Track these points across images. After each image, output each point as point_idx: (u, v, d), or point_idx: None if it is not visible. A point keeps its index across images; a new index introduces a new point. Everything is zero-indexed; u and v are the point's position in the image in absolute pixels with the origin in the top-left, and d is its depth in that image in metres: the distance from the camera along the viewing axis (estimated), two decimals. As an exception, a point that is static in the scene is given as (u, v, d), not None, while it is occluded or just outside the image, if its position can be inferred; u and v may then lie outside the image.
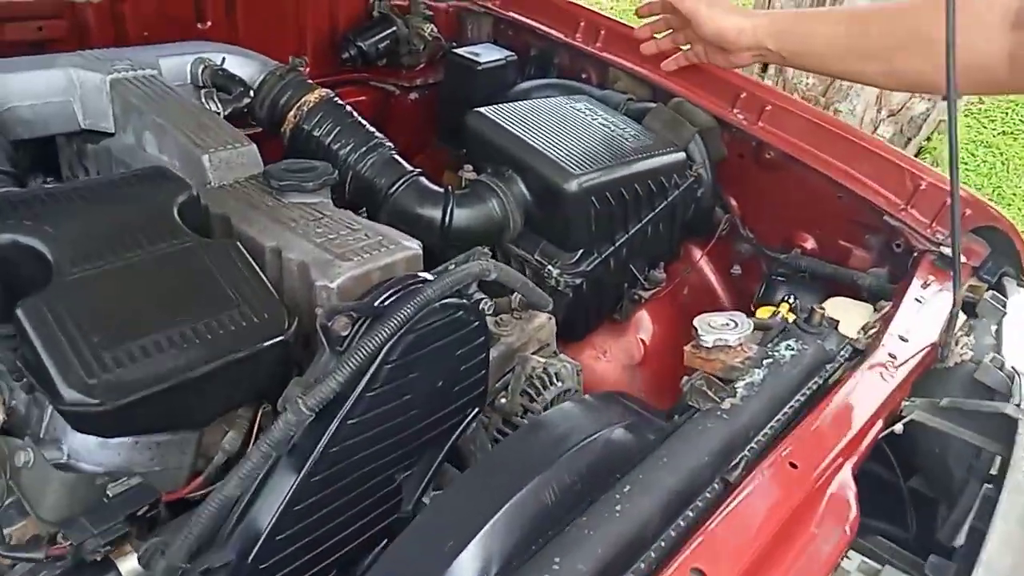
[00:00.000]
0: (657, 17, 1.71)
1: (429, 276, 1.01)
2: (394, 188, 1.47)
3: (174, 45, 1.51)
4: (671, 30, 1.72)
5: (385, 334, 0.88)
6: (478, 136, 1.59)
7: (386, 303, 0.94)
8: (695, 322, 1.09)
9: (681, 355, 2.00)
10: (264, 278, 0.94)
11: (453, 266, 1.04)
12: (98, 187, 0.98)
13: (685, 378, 1.09)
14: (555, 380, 1.33)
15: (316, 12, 1.93)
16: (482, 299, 1.06)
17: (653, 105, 1.85)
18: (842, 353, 1.18)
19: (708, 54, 1.63)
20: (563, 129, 1.62)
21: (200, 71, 1.45)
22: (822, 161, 1.73)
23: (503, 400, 1.29)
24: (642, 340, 1.91)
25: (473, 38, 2.29)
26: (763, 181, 1.86)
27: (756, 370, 1.05)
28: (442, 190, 1.50)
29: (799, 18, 1.49)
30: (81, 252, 0.89)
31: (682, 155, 1.70)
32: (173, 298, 0.89)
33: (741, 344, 1.07)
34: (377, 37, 1.99)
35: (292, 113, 1.50)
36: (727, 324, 1.08)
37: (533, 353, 1.35)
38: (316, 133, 1.50)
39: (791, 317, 1.32)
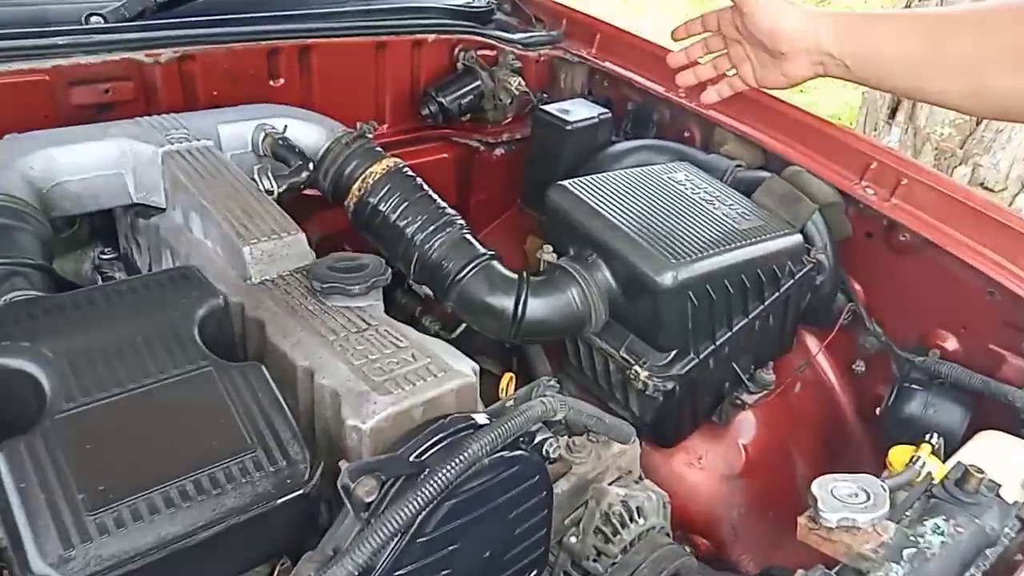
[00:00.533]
0: (694, 39, 1.33)
1: (481, 417, 0.82)
2: (463, 273, 1.31)
3: (237, 109, 1.40)
4: (711, 53, 1.33)
5: (420, 502, 0.70)
6: (560, 214, 1.41)
7: (425, 456, 0.76)
8: (813, 488, 0.86)
9: (790, 467, 1.76)
10: (287, 414, 0.79)
11: (512, 402, 0.86)
12: (112, 296, 0.85)
13: (801, 572, 0.85)
14: (636, 517, 1.12)
15: (396, 66, 1.81)
16: (546, 440, 0.87)
17: (765, 175, 1.62)
18: (1007, 530, 0.92)
19: (759, 71, 1.24)
20: (658, 206, 1.42)
21: (261, 139, 1.33)
22: (969, 249, 1.46)
23: (573, 539, 1.09)
24: (744, 446, 1.66)
25: (566, 89, 2.12)
26: (895, 267, 1.59)
27: (895, 566, 0.81)
28: (516, 276, 1.32)
29: (867, 20, 1.16)
30: (80, 380, 0.76)
31: (799, 238, 1.46)
32: (179, 440, 0.74)
33: (874, 527, 0.83)
34: (460, 92, 1.85)
35: (356, 185, 1.36)
36: (855, 496, 0.85)
37: (611, 483, 1.14)
38: (381, 208, 1.36)
39: (935, 465, 1.06)
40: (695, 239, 1.34)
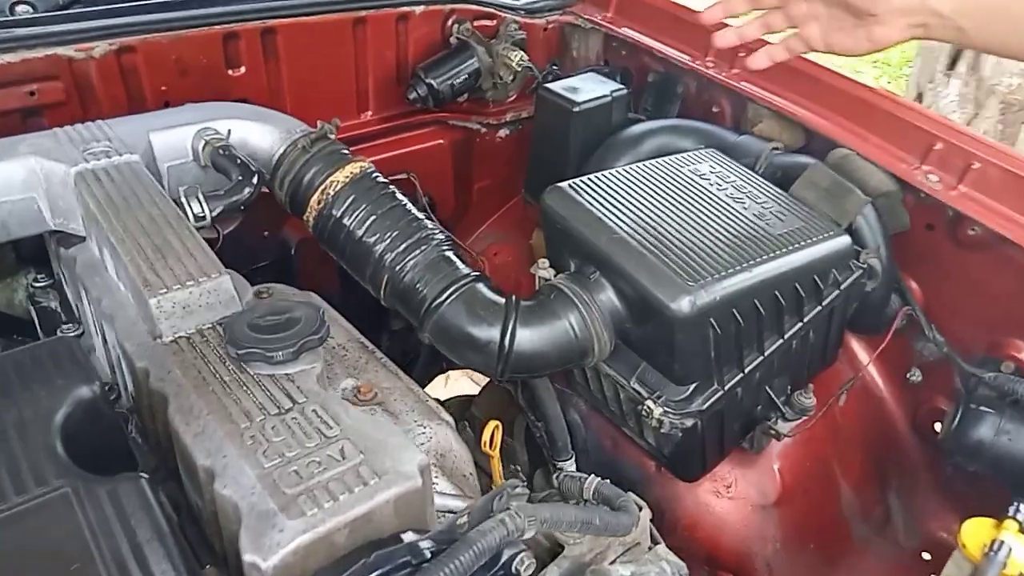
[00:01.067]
0: None
1: (425, 544, 0.63)
2: (441, 299, 1.11)
3: (174, 112, 1.20)
4: (759, 9, 1.02)
5: None
6: (557, 222, 1.19)
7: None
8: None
9: (833, 492, 1.54)
10: (170, 544, 0.60)
11: (466, 518, 0.66)
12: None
13: None
14: (644, 600, 0.92)
15: (379, 44, 1.59)
16: (516, 557, 0.68)
17: (807, 161, 1.37)
18: None
19: (830, 32, 0.96)
20: (676, 210, 1.19)
21: (201, 147, 1.13)
22: (1054, 247, 1.21)
23: (568, 635, 0.90)
24: (779, 471, 1.45)
25: (580, 59, 1.87)
26: (961, 265, 1.34)
27: None
28: (502, 302, 1.11)
29: None
30: None
31: (846, 240, 1.22)
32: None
33: None
34: (452, 72, 1.62)
35: (316, 197, 1.16)
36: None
37: (615, 560, 0.95)
38: (345, 222, 1.16)
39: (1020, 541, 0.84)
40: (719, 252, 1.11)
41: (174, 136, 1.14)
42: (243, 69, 1.43)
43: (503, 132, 1.89)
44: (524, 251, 1.83)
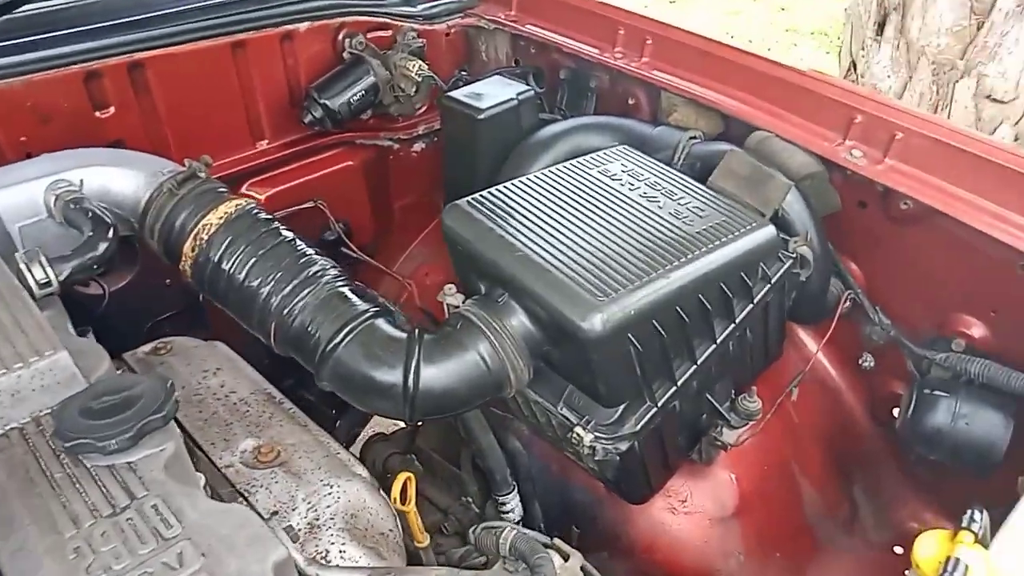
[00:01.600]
0: None
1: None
2: (335, 341, 1.00)
3: (19, 166, 1.09)
4: None
5: None
6: (459, 244, 1.10)
7: None
8: None
9: (795, 494, 1.46)
10: None
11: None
12: None
13: None
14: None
15: (263, 67, 1.48)
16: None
17: (725, 148, 1.29)
18: None
19: None
20: (585, 218, 1.10)
21: (52, 202, 1.02)
22: (989, 214, 1.14)
23: None
24: (735, 479, 1.36)
25: (490, 61, 1.78)
26: (899, 241, 1.28)
27: None
28: (404, 336, 1.01)
29: None
30: None
31: (771, 230, 1.14)
32: None
33: None
34: (347, 90, 1.52)
35: (189, 244, 1.05)
36: None
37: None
38: (224, 266, 1.05)
39: (980, 561, 0.76)
40: (632, 259, 1.02)
41: (22, 193, 1.03)
42: (112, 109, 1.31)
43: (418, 146, 1.79)
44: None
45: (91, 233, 0.97)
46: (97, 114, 1.30)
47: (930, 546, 0.77)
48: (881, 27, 3.20)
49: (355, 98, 1.52)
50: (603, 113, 1.59)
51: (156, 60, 1.33)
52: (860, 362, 1.41)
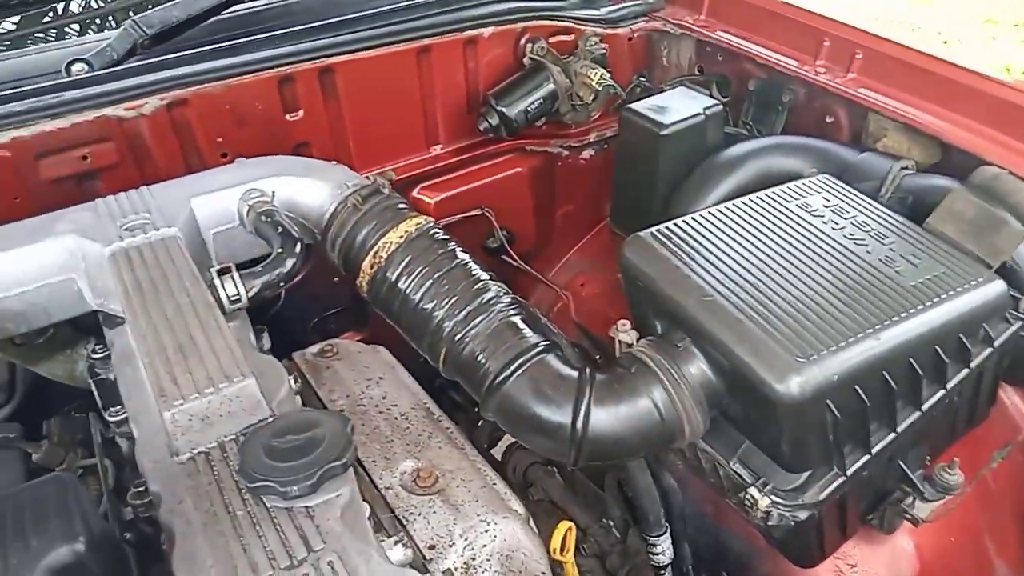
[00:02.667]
0: None
1: None
2: (504, 374, 0.97)
3: (216, 173, 1.12)
4: None
5: None
6: (640, 279, 1.03)
7: None
8: None
9: (986, 570, 1.30)
10: None
11: None
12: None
13: None
14: None
15: (446, 72, 1.46)
16: None
17: (946, 184, 1.14)
18: None
19: None
20: (782, 260, 1.00)
21: (245, 212, 1.04)
22: None
23: None
24: (916, 547, 1.23)
25: (671, 67, 1.69)
26: None
27: None
28: (576, 375, 0.96)
29: None
30: None
31: (1000, 286, 1.00)
32: None
33: None
34: (525, 99, 1.48)
35: (368, 261, 1.05)
36: None
37: None
38: (401, 285, 1.04)
39: None
40: (836, 314, 0.92)
41: (218, 200, 1.06)
42: (301, 113, 1.34)
43: (587, 153, 1.73)
44: (614, 281, 1.66)
45: (280, 250, 0.98)
46: (287, 117, 1.34)
47: None
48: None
49: (532, 106, 1.48)
50: (794, 131, 1.46)
51: (345, 66, 1.34)
52: (1082, 433, 1.22)
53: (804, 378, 0.86)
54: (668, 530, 1.25)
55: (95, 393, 1.11)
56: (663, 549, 1.25)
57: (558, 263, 1.84)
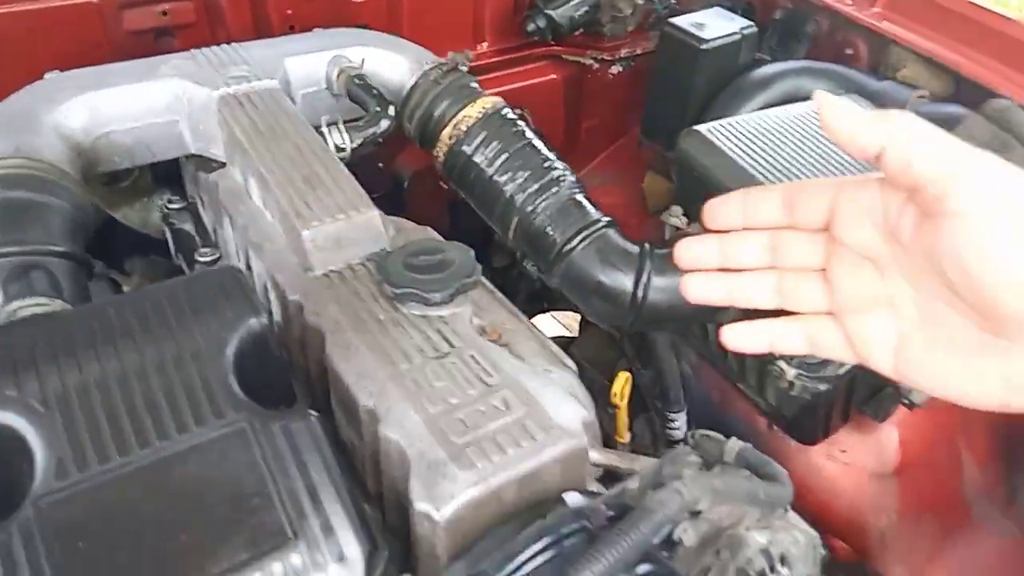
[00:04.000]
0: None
1: (601, 509, 0.61)
2: (571, 244, 1.07)
3: (307, 36, 1.18)
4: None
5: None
6: (694, 168, 1.14)
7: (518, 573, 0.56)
8: None
9: (956, 468, 1.47)
10: (342, 490, 0.60)
11: (636, 487, 0.64)
12: (128, 316, 0.67)
13: None
14: (779, 566, 0.90)
15: (499, -29, 1.52)
16: (677, 533, 0.66)
17: (959, 112, 1.27)
18: None
19: (919, 350, 0.45)
20: (820, 163, 1.12)
21: (335, 76, 1.10)
22: None
23: (699, 597, 0.89)
24: (900, 439, 1.39)
25: (697, -6, 1.77)
26: None
27: None
28: (636, 250, 1.07)
29: None
30: (75, 447, 0.59)
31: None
32: (197, 533, 0.57)
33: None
34: (572, 4, 1.54)
35: (447, 132, 1.13)
36: None
37: (750, 528, 0.92)
38: (476, 159, 1.12)
39: None
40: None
41: (308, 63, 1.12)
42: (366, -5, 1.39)
43: (615, 69, 1.81)
44: (634, 194, 1.77)
45: (378, 109, 1.05)
46: (353, -1, 1.38)
47: None
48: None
49: (578, 13, 1.55)
50: (815, 60, 1.57)
51: (408, -46, 1.39)
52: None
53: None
54: (686, 409, 1.39)
55: (169, 240, 1.18)
56: (680, 425, 1.38)
57: (579, 175, 1.93)
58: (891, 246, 0.44)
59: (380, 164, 1.56)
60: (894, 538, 1.37)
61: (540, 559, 0.56)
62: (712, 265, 0.51)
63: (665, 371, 1.34)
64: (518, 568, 0.55)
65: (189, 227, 1.17)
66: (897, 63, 1.45)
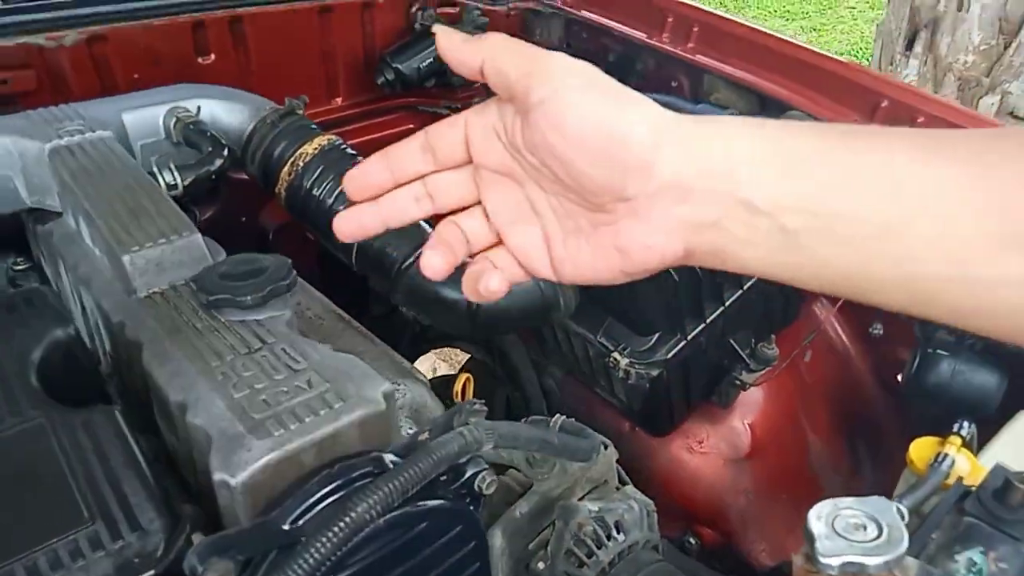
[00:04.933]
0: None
1: (387, 456, 0.67)
2: (409, 261, 1.15)
3: (145, 93, 1.24)
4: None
5: (290, 584, 0.55)
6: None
7: (303, 520, 0.61)
8: (810, 520, 0.69)
9: (802, 444, 1.59)
10: (143, 470, 0.64)
11: (426, 435, 0.70)
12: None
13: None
14: (614, 533, 0.96)
15: (345, 31, 1.63)
16: (478, 475, 0.72)
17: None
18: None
19: (559, 242, 0.51)
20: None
21: (172, 124, 1.17)
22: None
23: (541, 566, 0.94)
24: (749, 426, 1.50)
25: (543, 43, 1.92)
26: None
27: (914, 620, 0.64)
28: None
29: (824, 142, 0.44)
30: None
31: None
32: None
33: (889, 570, 0.66)
34: (419, 56, 1.67)
35: (286, 169, 1.20)
36: (864, 528, 0.67)
37: (583, 497, 0.99)
38: (315, 192, 1.20)
39: (966, 462, 0.89)
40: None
41: (146, 115, 1.18)
42: (212, 57, 1.47)
43: (471, 116, 1.94)
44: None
45: (210, 149, 1.12)
46: (199, 60, 1.46)
47: (923, 446, 0.91)
48: (911, 43, 3.32)
49: (424, 64, 1.67)
50: (646, 92, 1.73)
51: (254, 16, 1.48)
52: (870, 330, 1.53)
53: (650, 247, 1.09)
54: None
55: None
56: (543, 434, 1.45)
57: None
58: (515, 155, 0.49)
59: (243, 219, 1.61)
60: (753, 518, 1.46)
61: (328, 501, 0.61)
62: (378, 229, 0.53)
63: (524, 381, 1.42)
64: (307, 511, 0.60)
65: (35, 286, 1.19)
66: (710, 88, 1.61)
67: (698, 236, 0.45)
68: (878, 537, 0.66)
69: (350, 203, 0.53)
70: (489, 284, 0.52)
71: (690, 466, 1.47)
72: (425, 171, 0.52)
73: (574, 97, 0.44)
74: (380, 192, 0.52)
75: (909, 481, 0.93)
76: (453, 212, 0.53)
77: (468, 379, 1.14)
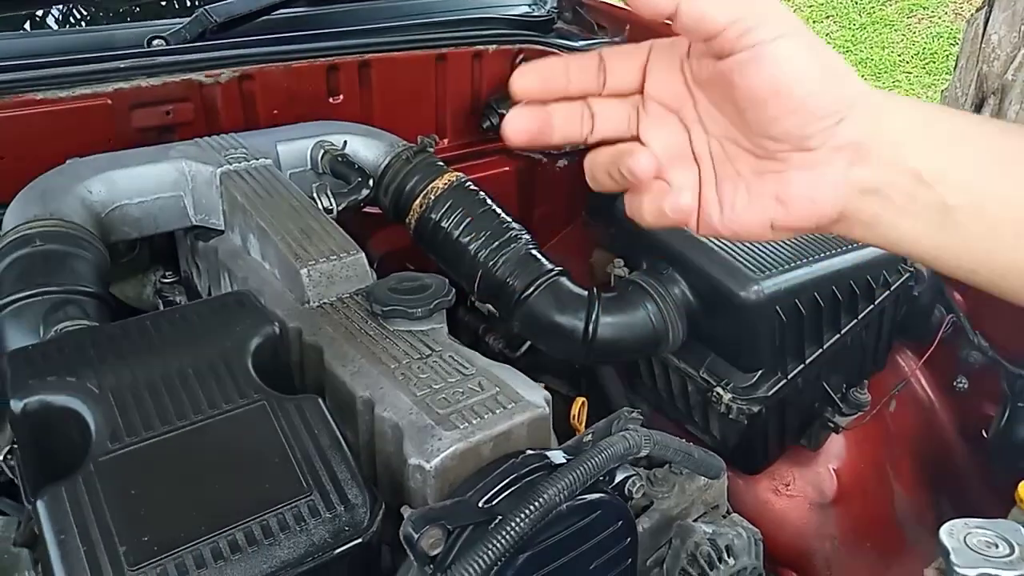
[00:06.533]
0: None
1: (557, 455, 0.75)
2: (529, 291, 1.23)
3: (296, 127, 1.36)
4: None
5: (491, 555, 0.63)
6: (631, 224, 1.32)
7: (496, 501, 0.69)
8: (943, 536, 0.75)
9: (887, 493, 1.62)
10: (346, 452, 0.72)
11: (590, 437, 0.78)
12: (164, 325, 0.81)
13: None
14: (726, 556, 1.02)
15: (456, 78, 1.75)
16: (628, 478, 0.79)
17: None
18: None
19: (713, 188, 0.51)
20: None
21: (320, 156, 1.29)
22: None
23: (657, 581, 1.00)
24: (835, 471, 1.53)
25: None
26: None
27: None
28: (585, 293, 1.24)
29: (983, 127, 0.50)
30: (126, 418, 0.71)
31: (895, 246, 1.33)
32: (229, 483, 0.69)
33: (1021, 583, 0.72)
34: (522, 103, 1.78)
35: (418, 202, 1.31)
36: (995, 546, 0.73)
37: (697, 519, 1.05)
38: (443, 224, 1.30)
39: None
40: (782, 249, 1.23)
41: (296, 147, 1.30)
42: (341, 97, 1.60)
43: (562, 162, 2.04)
44: (583, 268, 1.96)
45: (359, 179, 1.23)
46: (330, 99, 1.58)
47: (1032, 485, 0.95)
48: (978, 110, 3.38)
49: (527, 111, 1.79)
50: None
51: (380, 61, 1.61)
52: (955, 384, 1.57)
53: (760, 287, 1.16)
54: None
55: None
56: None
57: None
58: (693, 92, 0.49)
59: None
60: (838, 563, 1.49)
61: (510, 488, 0.69)
62: (548, 138, 0.52)
63: (611, 395, 1.48)
64: (498, 493, 0.68)
65: (182, 300, 1.31)
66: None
67: (859, 200, 0.47)
68: (1010, 555, 0.71)
69: (513, 103, 0.51)
70: (640, 163, 0.50)
71: (776, 507, 1.51)
72: (593, 91, 0.50)
73: (789, 45, 0.44)
74: (545, 93, 0.50)
75: (1018, 519, 0.97)
76: (605, 143, 0.52)
77: (583, 403, 1.21)
